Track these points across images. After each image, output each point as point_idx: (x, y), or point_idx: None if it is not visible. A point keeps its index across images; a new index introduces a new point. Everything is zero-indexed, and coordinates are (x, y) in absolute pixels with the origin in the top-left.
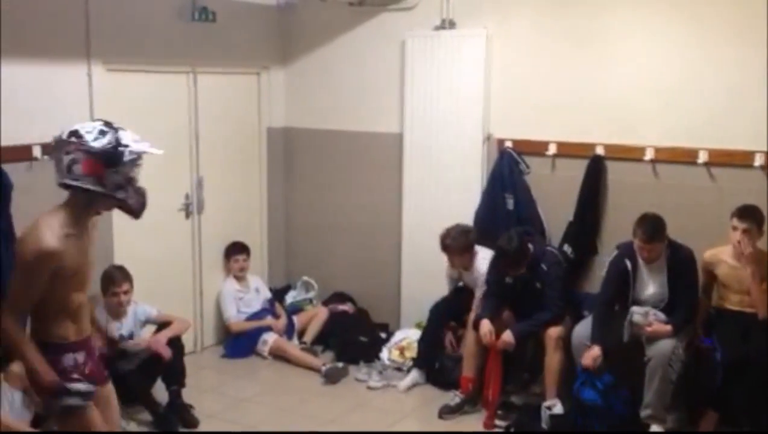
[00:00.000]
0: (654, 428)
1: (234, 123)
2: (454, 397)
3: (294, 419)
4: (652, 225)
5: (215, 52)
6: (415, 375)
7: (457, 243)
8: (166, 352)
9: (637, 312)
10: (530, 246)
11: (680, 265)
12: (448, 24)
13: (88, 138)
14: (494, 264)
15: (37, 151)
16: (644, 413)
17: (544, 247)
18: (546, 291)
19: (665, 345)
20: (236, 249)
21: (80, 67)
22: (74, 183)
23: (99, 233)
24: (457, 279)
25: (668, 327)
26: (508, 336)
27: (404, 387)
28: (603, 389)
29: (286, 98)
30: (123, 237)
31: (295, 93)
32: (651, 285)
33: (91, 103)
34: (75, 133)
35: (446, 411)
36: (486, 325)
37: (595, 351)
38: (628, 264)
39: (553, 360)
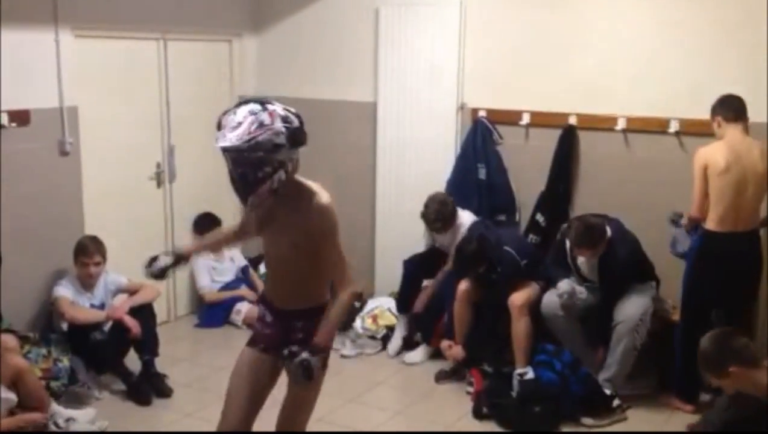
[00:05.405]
0: (606, 391)
1: (206, 91)
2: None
3: None
4: (582, 234)
5: (186, 18)
6: (399, 340)
7: (444, 221)
8: (132, 324)
9: (563, 288)
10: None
11: (611, 265)
12: None
13: None
14: (455, 268)
15: (4, 119)
16: (602, 376)
17: (501, 249)
18: (499, 290)
19: (634, 310)
20: (210, 222)
21: (48, 32)
22: None
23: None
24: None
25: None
26: (458, 350)
27: (394, 352)
28: (561, 369)
29: (258, 66)
30: (94, 205)
31: (267, 61)
32: (586, 268)
33: (59, 70)
34: None
35: (442, 376)
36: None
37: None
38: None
39: (518, 327)
